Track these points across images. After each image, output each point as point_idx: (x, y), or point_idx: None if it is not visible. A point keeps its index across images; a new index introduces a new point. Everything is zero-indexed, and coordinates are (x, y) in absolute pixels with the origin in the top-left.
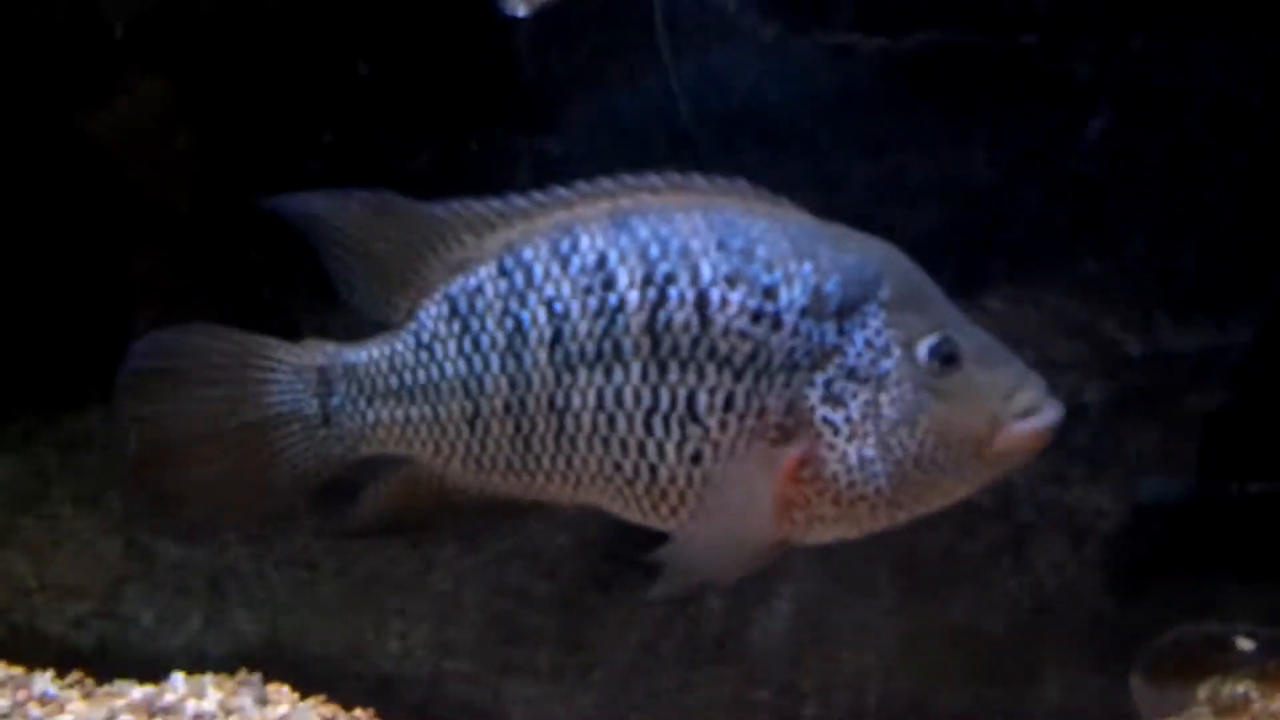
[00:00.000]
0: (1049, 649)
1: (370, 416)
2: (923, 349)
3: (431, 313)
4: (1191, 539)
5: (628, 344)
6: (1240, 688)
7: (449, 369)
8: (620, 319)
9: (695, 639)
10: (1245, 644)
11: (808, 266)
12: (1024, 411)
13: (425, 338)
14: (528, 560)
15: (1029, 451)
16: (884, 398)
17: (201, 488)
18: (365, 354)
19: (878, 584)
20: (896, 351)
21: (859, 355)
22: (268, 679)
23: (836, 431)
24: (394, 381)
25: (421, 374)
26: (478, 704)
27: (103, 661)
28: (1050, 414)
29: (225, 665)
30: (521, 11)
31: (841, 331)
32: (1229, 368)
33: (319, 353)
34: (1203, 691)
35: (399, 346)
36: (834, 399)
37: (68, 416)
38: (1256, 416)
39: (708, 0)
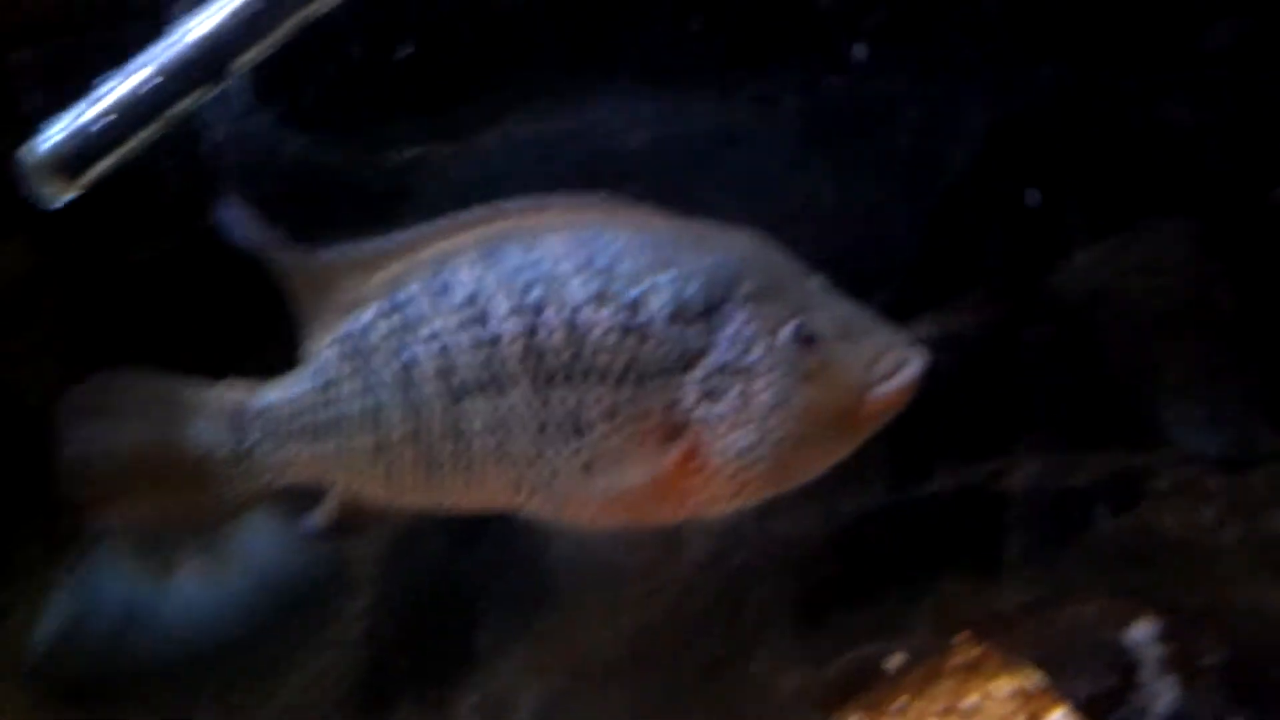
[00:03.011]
0: (766, 694)
1: (283, 454)
2: (784, 335)
3: (327, 354)
4: (888, 548)
5: (510, 371)
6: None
7: (350, 407)
8: (500, 349)
9: None
10: (897, 659)
11: (669, 275)
12: (887, 375)
13: (324, 379)
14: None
15: (896, 407)
16: (756, 387)
17: (137, 517)
18: (273, 395)
19: (611, 663)
20: (761, 342)
21: (727, 351)
22: None
23: (717, 424)
24: (302, 421)
25: (325, 414)
26: None
27: None
28: (909, 370)
29: None
30: (58, 202)
31: (709, 331)
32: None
33: (232, 394)
34: None
35: (303, 388)
36: (710, 395)
37: None
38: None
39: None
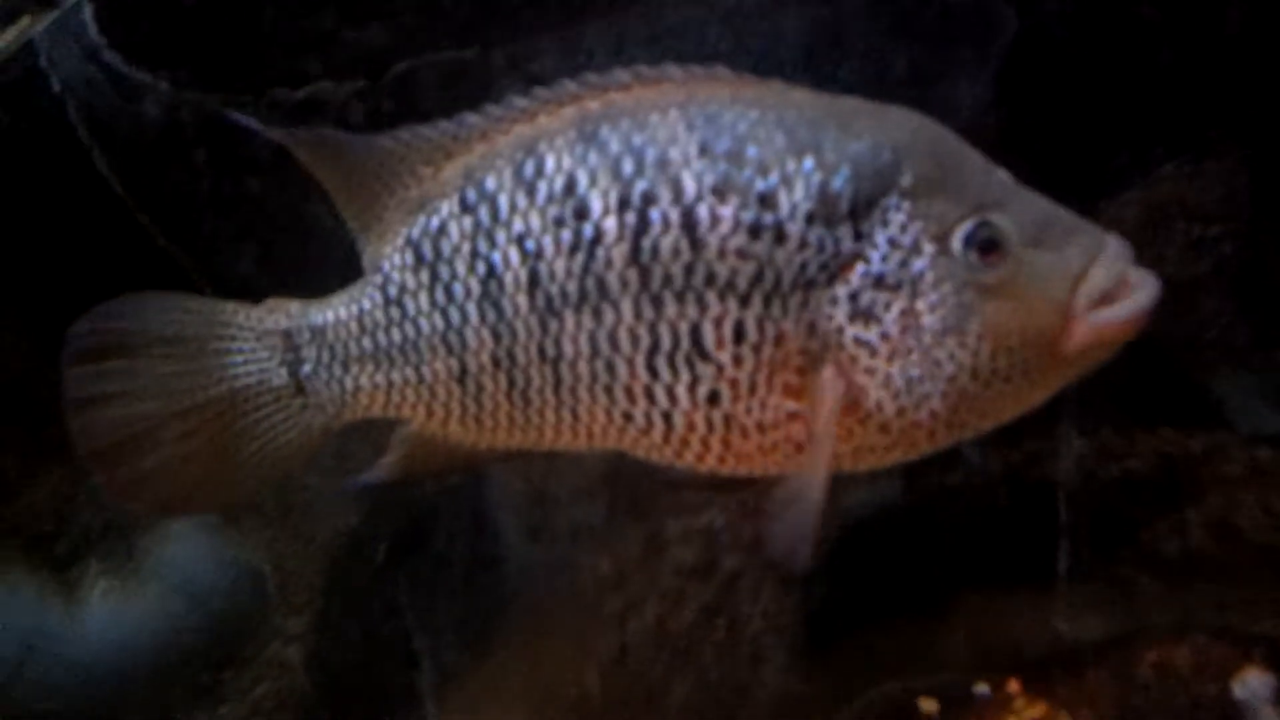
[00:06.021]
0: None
1: (349, 384)
2: (958, 239)
3: (395, 262)
4: (907, 553)
5: (613, 280)
6: None
7: (425, 325)
8: (600, 252)
9: None
10: (929, 705)
11: (809, 162)
12: (1101, 294)
13: (393, 292)
14: None
15: (1116, 342)
16: (922, 305)
17: (167, 474)
18: (333, 313)
19: (580, 694)
20: (929, 247)
21: (885, 259)
22: None
23: (873, 352)
24: (368, 344)
25: (396, 333)
26: None
27: None
28: (1141, 294)
29: None
30: None
31: (859, 234)
32: None
33: (282, 315)
34: None
35: (366, 304)
36: (864, 314)
37: None
38: None
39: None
